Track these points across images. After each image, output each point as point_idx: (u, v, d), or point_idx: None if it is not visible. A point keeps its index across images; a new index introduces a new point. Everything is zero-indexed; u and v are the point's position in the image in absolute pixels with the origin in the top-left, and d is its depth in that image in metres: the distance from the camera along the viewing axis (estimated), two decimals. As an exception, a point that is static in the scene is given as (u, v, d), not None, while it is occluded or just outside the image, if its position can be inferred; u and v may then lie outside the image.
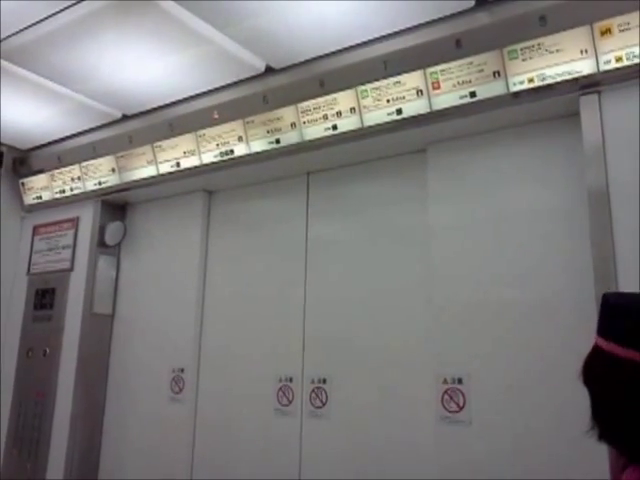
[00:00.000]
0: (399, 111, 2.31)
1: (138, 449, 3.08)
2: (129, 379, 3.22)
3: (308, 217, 2.84)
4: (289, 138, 2.58)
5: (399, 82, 2.29)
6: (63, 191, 3.46)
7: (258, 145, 2.67)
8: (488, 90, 2.13)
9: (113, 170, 3.20)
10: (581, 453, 1.77)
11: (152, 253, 3.31)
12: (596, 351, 1.01)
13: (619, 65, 1.90)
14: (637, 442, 0.93)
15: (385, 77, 2.31)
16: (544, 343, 2.09)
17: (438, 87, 2.21)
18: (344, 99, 2.42)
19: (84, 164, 3.32)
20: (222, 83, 2.69)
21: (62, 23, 2.25)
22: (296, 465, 2.59)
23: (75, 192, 3.41)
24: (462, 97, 2.18)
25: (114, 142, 3.14)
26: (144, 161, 3.07)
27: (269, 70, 2.56)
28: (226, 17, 2.17)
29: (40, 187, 3.57)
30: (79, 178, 3.36)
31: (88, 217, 3.38)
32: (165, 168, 3.00)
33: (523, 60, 2.04)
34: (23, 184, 3.64)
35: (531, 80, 2.05)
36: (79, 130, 3.27)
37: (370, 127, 2.39)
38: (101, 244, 3.32)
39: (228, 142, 2.76)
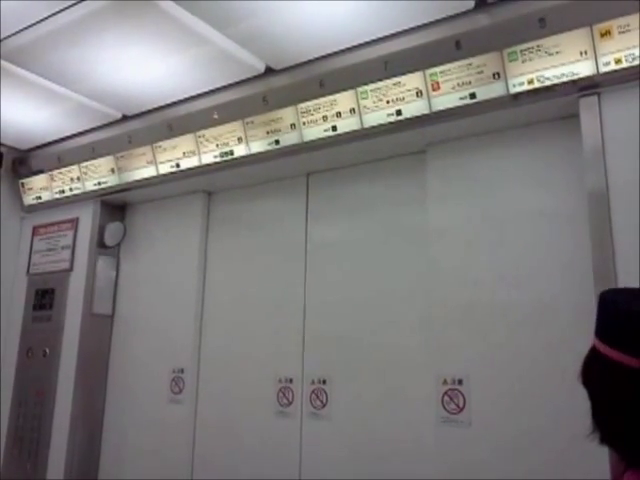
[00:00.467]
0: (399, 112, 2.31)
1: (138, 449, 3.08)
2: (129, 380, 3.22)
3: (308, 218, 2.84)
4: (289, 139, 2.58)
5: (399, 83, 2.29)
6: (63, 191, 3.46)
7: (258, 146, 2.67)
8: (488, 91, 2.13)
9: (113, 170, 3.20)
10: (581, 454, 1.77)
11: (152, 254, 3.31)
12: (593, 353, 1.00)
13: (618, 67, 1.90)
14: (635, 446, 0.93)
15: (385, 78, 2.31)
16: (544, 344, 2.09)
17: (438, 88, 2.21)
18: (344, 100, 2.42)
19: (84, 164, 3.31)
20: (222, 84, 2.69)
21: (62, 23, 2.25)
22: (296, 466, 2.59)
23: (75, 192, 3.41)
24: (462, 98, 2.18)
25: (114, 142, 3.14)
26: (144, 161, 3.07)
27: (269, 71, 2.56)
28: (226, 17, 2.17)
29: (40, 187, 3.57)
30: (79, 178, 3.36)
31: (88, 217, 3.38)
32: (165, 169, 3.00)
33: (523, 61, 2.04)
34: (23, 184, 3.64)
35: (531, 82, 2.05)
36: (79, 130, 3.27)
37: (370, 128, 2.39)
38: (101, 244, 3.32)
39: (228, 143, 2.76)
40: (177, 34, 2.30)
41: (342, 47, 2.38)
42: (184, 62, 2.50)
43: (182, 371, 3.00)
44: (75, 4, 2.16)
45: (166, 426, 3.00)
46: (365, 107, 2.37)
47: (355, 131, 2.42)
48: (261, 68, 2.56)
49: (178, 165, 2.95)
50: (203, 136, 2.83)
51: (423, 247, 2.43)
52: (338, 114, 2.44)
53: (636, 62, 1.87)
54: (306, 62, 2.48)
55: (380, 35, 2.29)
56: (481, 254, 2.29)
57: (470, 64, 2.14)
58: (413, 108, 2.28)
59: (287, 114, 2.56)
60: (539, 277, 2.15)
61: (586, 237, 1.96)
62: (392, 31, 2.26)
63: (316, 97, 2.47)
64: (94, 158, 3.26)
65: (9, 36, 2.37)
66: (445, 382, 2.25)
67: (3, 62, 2.54)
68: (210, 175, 2.91)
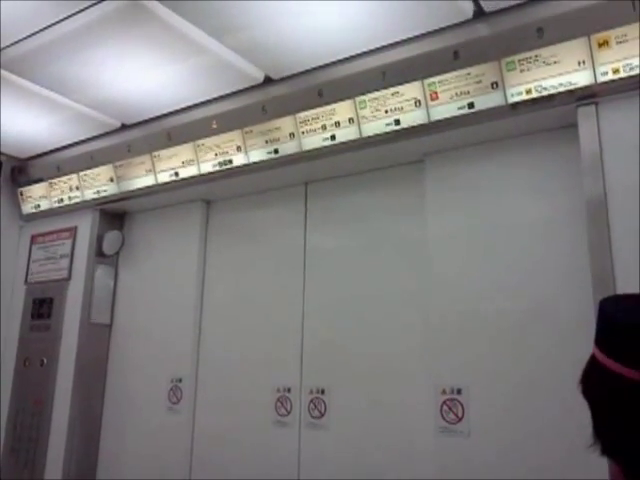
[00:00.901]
0: (397, 121, 2.31)
1: (136, 460, 3.07)
2: (127, 389, 3.20)
3: (306, 227, 2.84)
4: (287, 148, 2.59)
5: (397, 93, 2.29)
6: (61, 200, 3.46)
7: (257, 155, 2.68)
8: (486, 101, 2.13)
9: (112, 179, 3.20)
10: (580, 464, 1.76)
11: (150, 263, 3.31)
12: (593, 362, 0.99)
13: (616, 77, 1.91)
14: (636, 459, 0.92)
15: (383, 88, 2.32)
16: (543, 353, 2.09)
17: (436, 98, 2.22)
18: (342, 109, 2.42)
19: (83, 173, 3.32)
20: (221, 93, 2.70)
21: (62, 33, 2.26)
22: (294, 476, 2.58)
23: (73, 201, 3.41)
24: (460, 108, 2.18)
25: (113, 151, 3.15)
26: (143, 170, 3.07)
27: (268, 80, 2.57)
28: (225, 27, 2.18)
29: (39, 196, 3.57)
30: (77, 187, 3.36)
31: (86, 226, 3.38)
32: (164, 178, 3.01)
33: (521, 71, 2.05)
34: (22, 193, 3.64)
35: (529, 91, 2.06)
36: (78, 139, 3.27)
37: (368, 137, 2.39)
38: (99, 253, 3.32)
39: (227, 152, 2.76)
40: (176, 43, 2.30)
41: (341, 57, 2.38)
42: (183, 71, 2.50)
43: (180, 380, 2.99)
44: (75, 14, 2.17)
45: (164, 436, 2.98)
46: (364, 117, 2.38)
47: (354, 140, 2.42)
48: (260, 78, 2.56)
49: (177, 174, 2.95)
50: (202, 145, 2.83)
51: (422, 256, 2.43)
52: (337, 123, 2.44)
53: (634, 72, 1.88)
54: (305, 72, 2.49)
55: (378, 45, 2.30)
56: (479, 263, 2.29)
57: (468, 74, 2.14)
58: (411, 118, 2.29)
59: (286, 123, 2.57)
60: (538, 286, 2.15)
61: (584, 245, 1.96)
62: (390, 41, 2.27)
63: (315, 107, 2.48)
64: (93, 167, 3.26)
65: (9, 45, 2.37)
66: (444, 392, 2.24)
67: (3, 71, 2.55)
68: (209, 184, 2.92)
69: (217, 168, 2.81)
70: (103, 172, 3.23)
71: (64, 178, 3.42)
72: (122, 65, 2.47)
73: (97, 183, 3.28)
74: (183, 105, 2.83)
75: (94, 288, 3.28)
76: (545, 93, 2.03)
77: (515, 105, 2.09)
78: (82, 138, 3.25)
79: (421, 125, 2.27)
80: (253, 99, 2.62)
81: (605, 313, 0.98)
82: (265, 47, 2.31)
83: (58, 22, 2.22)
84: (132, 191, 3.15)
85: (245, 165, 2.72)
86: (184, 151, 2.90)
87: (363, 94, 2.36)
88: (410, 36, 2.23)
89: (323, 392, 2.59)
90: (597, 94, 1.97)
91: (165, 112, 2.90)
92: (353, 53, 2.35)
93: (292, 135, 2.56)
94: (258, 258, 2.96)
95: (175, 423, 2.96)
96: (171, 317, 3.12)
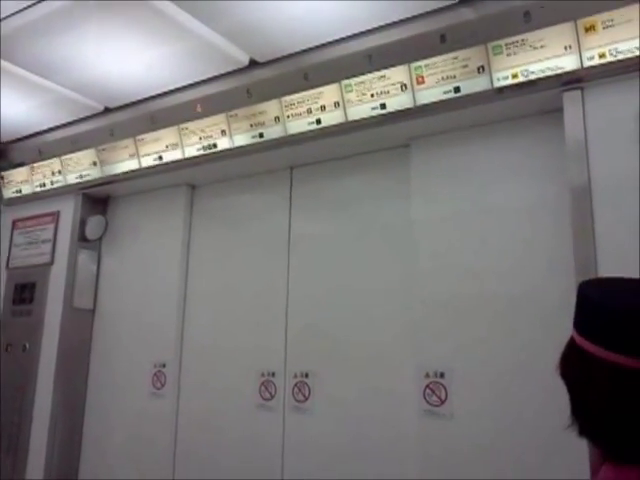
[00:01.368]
0: (383, 105, 2.30)
1: (119, 445, 3.06)
2: (110, 374, 3.19)
3: (291, 211, 2.83)
4: (273, 132, 2.57)
5: (383, 76, 2.28)
6: (43, 184, 3.42)
7: (242, 139, 2.66)
8: (472, 85, 2.13)
9: (94, 163, 3.17)
10: (563, 446, 1.78)
11: (134, 247, 3.29)
12: (571, 345, 1.00)
13: (602, 61, 1.91)
14: (612, 440, 0.93)
15: (369, 71, 2.31)
16: (527, 337, 2.10)
17: (422, 82, 2.21)
18: (328, 93, 2.41)
19: (65, 157, 3.28)
20: (205, 76, 2.68)
21: (43, 13, 2.23)
22: (279, 459, 2.59)
23: (56, 186, 3.37)
24: (446, 92, 2.18)
25: (96, 135, 3.12)
26: (126, 154, 3.04)
27: (253, 63, 2.55)
28: (210, 10, 2.16)
29: (20, 180, 3.53)
30: (60, 171, 3.33)
31: (69, 211, 3.34)
32: (147, 162, 2.98)
33: (507, 55, 2.05)
34: (2, 177, 3.59)
35: (515, 76, 2.06)
36: (60, 123, 3.23)
37: (354, 121, 2.38)
38: (82, 238, 3.29)
39: (211, 136, 2.74)
40: (161, 26, 2.28)
41: (327, 40, 2.37)
42: (167, 54, 2.48)
43: (164, 365, 2.98)
44: (57, -6, 2.14)
45: (148, 420, 2.98)
46: (349, 100, 2.37)
47: (339, 124, 2.41)
48: (245, 61, 2.55)
49: (161, 158, 2.93)
50: (186, 129, 2.81)
51: (407, 240, 2.43)
52: (322, 107, 2.43)
53: (619, 57, 1.88)
54: (290, 55, 2.47)
55: (365, 28, 2.29)
56: (463, 247, 2.29)
57: (455, 58, 2.14)
58: (397, 102, 2.28)
59: (271, 107, 2.55)
60: (522, 270, 2.16)
61: (569, 230, 1.97)
62: (377, 24, 2.26)
63: (300, 90, 2.46)
64: (75, 151, 3.23)
65: (-11, 26, 2.33)
66: (427, 375, 2.25)
67: (-18, 53, 2.51)
68: (193, 168, 2.90)
69: (201, 152, 2.78)
70: (86, 156, 3.20)
71: (46, 162, 3.38)
72: (105, 47, 2.44)
73: (80, 167, 3.24)
74: (167, 88, 2.81)
75: (77, 273, 3.26)
76: (531, 77, 2.03)
77: (501, 89, 2.09)
78: (64, 121, 3.22)
79: (407, 109, 2.26)
80: (238, 82, 2.61)
81: (583, 296, 0.99)
82: (250, 30, 2.29)
83: (39, 2, 2.18)
84: (115, 175, 3.13)
85: (230, 149, 2.70)
86: (168, 135, 2.88)
87: (349, 78, 2.35)
88: (397, 19, 2.22)
89: (307, 376, 2.59)
90: (583, 79, 1.97)
91: (149, 95, 2.88)
92: (339, 36, 2.35)
93: (277, 119, 2.54)
94: (243, 243, 2.95)
95: (159, 408, 2.96)
96: (155, 302, 3.10)
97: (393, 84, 2.27)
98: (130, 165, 3.04)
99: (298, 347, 2.66)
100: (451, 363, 2.23)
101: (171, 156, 2.89)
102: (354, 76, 2.34)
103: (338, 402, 2.51)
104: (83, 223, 3.29)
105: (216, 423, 2.81)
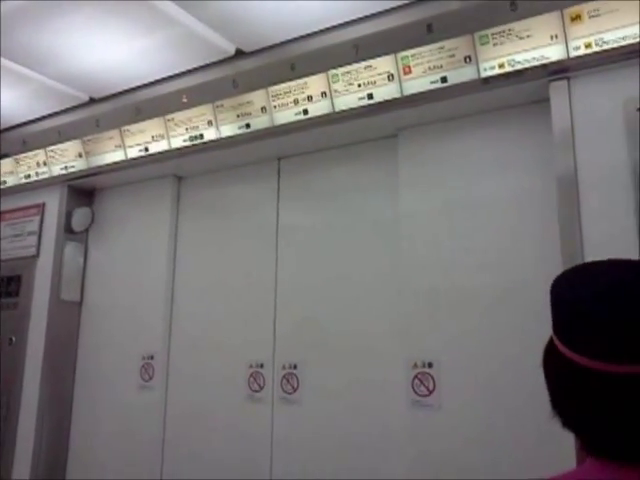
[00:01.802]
0: (370, 96, 2.30)
1: (108, 436, 3.05)
2: (98, 367, 3.17)
3: (279, 203, 2.82)
4: (259, 122, 2.56)
5: (370, 66, 2.28)
6: (29, 176, 3.39)
7: (228, 129, 2.64)
8: (459, 75, 2.12)
9: (80, 155, 3.14)
10: (550, 436, 1.79)
11: (121, 239, 3.27)
12: (550, 343, 1.00)
13: (589, 51, 1.91)
14: (590, 436, 0.93)
15: (356, 61, 2.30)
16: (514, 327, 2.11)
17: (409, 72, 2.21)
18: (315, 83, 2.40)
19: (50, 148, 3.25)
20: (191, 66, 2.66)
21: (27, 4, 2.19)
22: (267, 450, 2.59)
23: (41, 177, 3.34)
24: (433, 82, 2.17)
25: (81, 126, 3.09)
26: (112, 145, 3.02)
27: (239, 53, 2.54)
28: (195, -1, 2.14)
29: (5, 172, 3.49)
30: (45, 163, 3.30)
31: (54, 203, 3.32)
32: (133, 153, 2.96)
33: (494, 45, 2.04)
34: (-13, 169, 3.56)
35: (502, 65, 2.05)
36: (44, 113, 3.20)
37: (341, 112, 2.37)
38: (68, 230, 3.26)
39: (197, 126, 2.72)
40: (146, 15, 2.26)
41: (313, 30, 2.36)
42: (153, 44, 2.46)
43: (152, 357, 2.97)
44: (40, -17, 2.11)
45: (136, 413, 2.97)
46: (336, 91, 2.36)
47: (326, 115, 2.40)
48: (231, 50, 2.53)
49: (147, 149, 2.91)
50: (172, 120, 2.79)
51: (395, 233, 2.43)
52: (309, 97, 2.42)
53: (605, 47, 1.88)
54: (277, 45, 2.46)
55: (351, 18, 2.28)
56: (450, 238, 2.30)
57: (442, 47, 2.13)
58: (384, 92, 2.27)
59: (258, 97, 2.54)
60: (510, 261, 2.17)
61: (557, 220, 1.97)
62: (364, 14, 2.25)
63: (287, 80, 2.45)
64: (61, 142, 3.20)
65: (-30, 15, 2.30)
66: (415, 365, 2.26)
67: (-36, 42, 2.47)
68: (180, 159, 2.88)
69: (188, 143, 2.77)
70: (71, 147, 3.17)
71: (31, 153, 3.35)
72: (90, 37, 2.41)
73: (65, 159, 3.22)
74: (153, 79, 2.78)
75: (63, 265, 3.23)
76: (518, 67, 2.03)
77: (488, 79, 2.09)
78: (49, 112, 3.19)
79: (394, 99, 2.26)
80: (224, 72, 2.59)
81: (553, 295, 0.99)
82: (236, 19, 2.27)
83: (22, -9, 2.16)
84: (101, 167, 3.10)
85: (216, 140, 2.69)
86: (154, 126, 2.86)
87: (335, 68, 2.34)
88: (383, 9, 2.22)
89: (296, 367, 2.59)
90: (569, 69, 1.97)
91: (134, 86, 2.86)
92: (326, 26, 2.34)
93: (264, 109, 2.53)
94: (230, 234, 2.94)
95: (147, 400, 2.95)
96: (142, 294, 3.09)
97: (380, 74, 2.26)
98: (116, 156, 3.02)
99: (286, 338, 2.66)
100: (439, 353, 2.23)
101: (157, 147, 2.87)
102: (341, 66, 2.33)
103: (327, 393, 2.51)
104: (69, 215, 3.27)
105: (205, 415, 2.81)
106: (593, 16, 1.89)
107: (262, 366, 2.68)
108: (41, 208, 3.37)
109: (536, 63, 2.00)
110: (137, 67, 2.67)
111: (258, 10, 2.20)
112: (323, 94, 2.39)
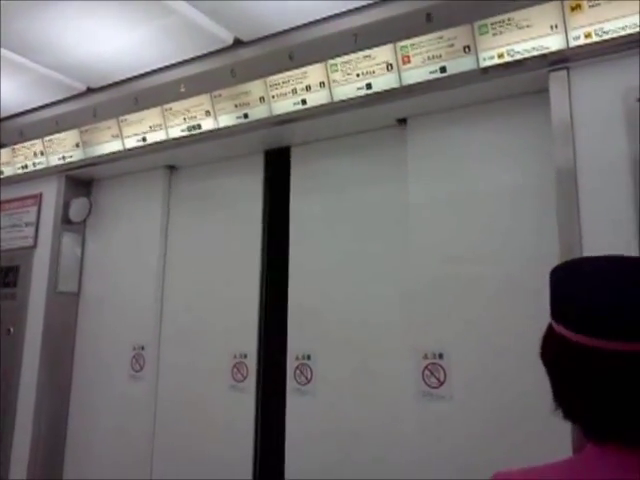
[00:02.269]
0: (369, 85, 2.29)
1: (103, 426, 3.06)
2: (95, 358, 3.18)
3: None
4: (258, 112, 2.55)
5: (369, 56, 2.26)
6: (26, 166, 3.38)
7: (226, 119, 2.63)
8: (458, 65, 2.11)
9: (77, 145, 3.13)
10: (560, 426, 1.79)
11: (117, 230, 3.26)
12: (549, 328, 1.00)
13: (588, 41, 1.90)
14: (592, 422, 0.94)
15: (355, 51, 2.28)
16: (522, 318, 2.08)
17: (408, 61, 2.19)
18: (313, 73, 2.38)
19: (47, 138, 3.24)
20: (189, 56, 2.65)
21: (22, -9, 2.19)
22: (251, 440, 2.62)
23: (38, 167, 3.33)
24: (432, 72, 2.16)
25: (78, 116, 3.08)
26: (109, 136, 3.01)
27: (237, 43, 2.53)
28: (193, -13, 2.13)
29: (2, 162, 3.48)
30: (42, 153, 3.28)
31: (52, 193, 3.31)
32: (131, 143, 2.95)
33: (493, 35, 2.03)
34: (-16, 159, 3.55)
35: (501, 55, 2.04)
36: (42, 103, 3.20)
37: (340, 102, 2.36)
38: (65, 221, 3.25)
39: (195, 116, 2.71)
40: (143, 4, 2.25)
41: (312, 19, 2.35)
42: (150, 33, 2.45)
43: (143, 348, 2.98)
44: (37, -29, 2.10)
45: (129, 402, 2.98)
46: (335, 80, 2.35)
47: (325, 105, 2.39)
48: (229, 40, 2.52)
49: (144, 139, 2.89)
50: (170, 109, 2.78)
51: (401, 223, 2.41)
52: (308, 87, 2.41)
53: (605, 37, 1.87)
54: (275, 34, 2.45)
55: (350, 7, 2.27)
56: (459, 228, 2.28)
57: (441, 37, 2.12)
58: (383, 82, 2.26)
59: (256, 87, 2.52)
60: (515, 250, 2.15)
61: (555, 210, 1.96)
62: (363, 3, 2.24)
63: (285, 70, 2.44)
64: (58, 132, 3.19)
65: (-34, 3, 2.29)
66: (426, 356, 2.24)
67: (-39, 31, 2.46)
68: (176, 150, 2.86)
69: (186, 133, 2.75)
70: (68, 137, 3.16)
71: (28, 143, 3.34)
72: (87, 26, 2.40)
73: (62, 149, 3.20)
74: (150, 68, 2.78)
75: (61, 256, 3.23)
76: (517, 57, 2.02)
77: (487, 69, 2.07)
78: (46, 102, 3.18)
79: (393, 89, 2.24)
80: (222, 62, 2.58)
81: (553, 282, 1.00)
82: (234, 8, 2.26)
83: (19, -21, 2.15)
84: (98, 157, 3.09)
85: (214, 130, 2.68)
86: (151, 115, 2.84)
87: (334, 57, 2.33)
88: (382, -2, 2.20)
89: (309, 358, 2.57)
90: (569, 59, 1.96)
91: (132, 75, 2.85)
92: (324, 15, 2.32)
93: (262, 99, 2.52)
94: (223, 226, 2.93)
95: (139, 390, 2.96)
96: (136, 285, 3.09)
97: (379, 64, 2.25)
98: (113, 146, 3.01)
99: (295, 330, 2.64)
100: (449, 344, 2.21)
101: (155, 137, 2.86)
102: (339, 56, 2.32)
103: (335, 384, 2.49)
104: (67, 205, 3.26)
105: (194, 405, 2.82)
106: (593, 6, 1.88)
107: (245, 356, 2.68)
108: (38, 198, 3.36)
109: (536, 53, 1.99)
110: (135, 57, 2.65)
111: (257, -1, 2.20)
112: (322, 84, 2.38)
